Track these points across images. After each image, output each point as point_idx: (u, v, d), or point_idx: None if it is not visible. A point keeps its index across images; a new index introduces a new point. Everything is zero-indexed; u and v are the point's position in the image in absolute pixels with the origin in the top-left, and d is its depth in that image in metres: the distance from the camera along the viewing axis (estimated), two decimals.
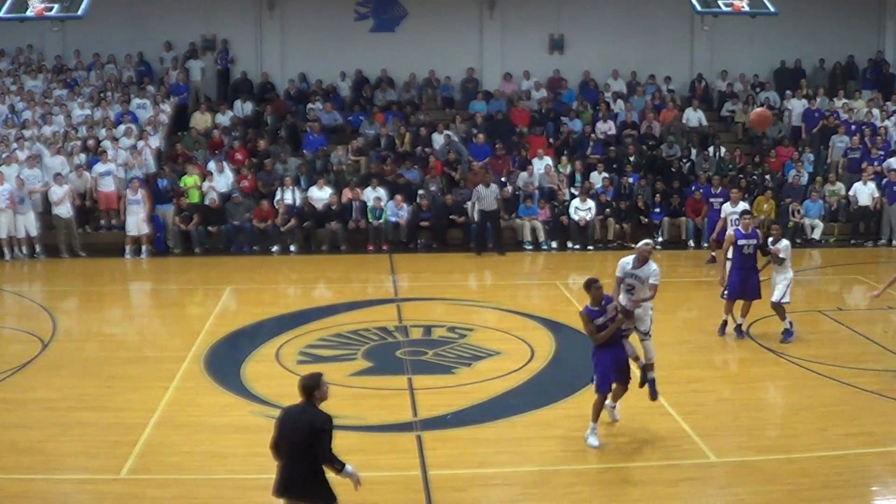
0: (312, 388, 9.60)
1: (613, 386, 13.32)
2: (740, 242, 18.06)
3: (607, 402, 13.47)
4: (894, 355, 17.44)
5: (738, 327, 18.33)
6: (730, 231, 19.23)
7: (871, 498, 11.71)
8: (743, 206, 22.84)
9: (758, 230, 18.68)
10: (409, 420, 14.23)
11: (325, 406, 9.49)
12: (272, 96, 32.06)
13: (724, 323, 18.46)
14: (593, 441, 13.02)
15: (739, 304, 18.31)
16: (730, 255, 18.56)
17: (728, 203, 23.50)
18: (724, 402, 15.27)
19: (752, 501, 11.57)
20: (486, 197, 26.53)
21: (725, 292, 18.36)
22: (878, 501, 11.77)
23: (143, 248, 25.92)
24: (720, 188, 27.04)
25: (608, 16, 33.96)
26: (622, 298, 14.11)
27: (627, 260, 14.39)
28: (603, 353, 13.11)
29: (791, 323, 18.01)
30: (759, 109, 15.19)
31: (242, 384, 15.65)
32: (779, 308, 17.96)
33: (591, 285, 13.03)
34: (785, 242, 18.10)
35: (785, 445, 13.32)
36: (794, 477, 12.16)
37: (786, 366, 16.80)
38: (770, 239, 18.19)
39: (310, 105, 31.51)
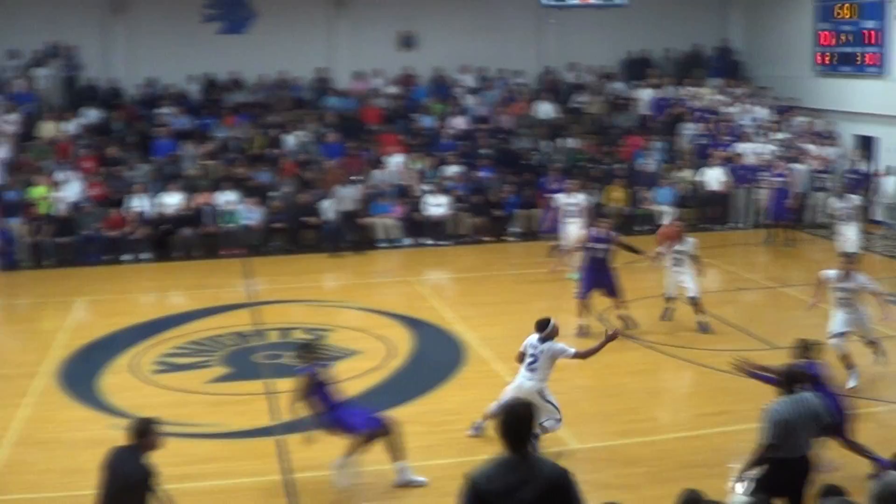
0: (141, 433, 9.37)
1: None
2: (591, 245, 18.32)
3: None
4: (746, 335, 17.99)
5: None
6: (583, 232, 19.50)
7: (730, 475, 12.06)
8: (580, 197, 23.42)
9: (613, 233, 18.75)
10: (268, 424, 14.22)
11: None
12: (120, 102, 31.51)
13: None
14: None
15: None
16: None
17: (563, 194, 23.77)
18: (582, 389, 15.60)
19: (615, 485, 11.84)
20: (344, 197, 26.54)
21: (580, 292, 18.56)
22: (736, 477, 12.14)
23: None
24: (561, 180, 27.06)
25: (457, 12, 34.11)
26: None
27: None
28: None
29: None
30: (665, 230, 15.21)
31: (99, 397, 15.46)
32: (696, 302, 18.28)
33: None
34: (692, 240, 18.57)
35: (644, 429, 13.72)
36: (655, 458, 12.56)
37: (643, 351, 17.26)
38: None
39: (159, 110, 31.09)
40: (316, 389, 11.76)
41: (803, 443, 9.76)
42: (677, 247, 18.37)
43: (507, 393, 12.57)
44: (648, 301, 19.09)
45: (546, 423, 12.55)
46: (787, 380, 10.09)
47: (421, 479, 12.04)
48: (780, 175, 27.03)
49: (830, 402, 11.38)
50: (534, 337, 13.02)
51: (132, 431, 9.38)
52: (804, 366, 11.28)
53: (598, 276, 18.26)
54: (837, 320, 15.27)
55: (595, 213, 19.25)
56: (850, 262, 15.46)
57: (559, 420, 12.79)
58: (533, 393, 12.49)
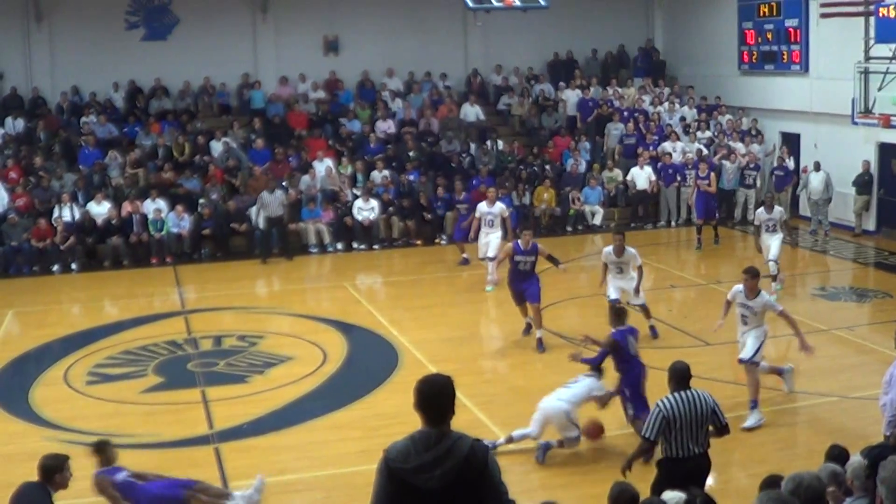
0: (53, 471, 9.18)
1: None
2: (517, 258, 17.85)
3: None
4: (679, 332, 18.21)
5: (527, 327, 18.29)
6: (508, 244, 18.76)
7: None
8: (500, 206, 23.03)
9: (538, 243, 18.34)
10: (205, 433, 14.20)
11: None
12: (44, 111, 31.15)
13: (527, 326, 18.38)
14: None
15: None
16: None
17: (485, 202, 23.17)
18: (517, 390, 15.71)
19: (552, 484, 11.97)
20: (270, 203, 26.46)
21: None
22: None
23: None
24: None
25: (382, 15, 34.06)
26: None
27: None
28: None
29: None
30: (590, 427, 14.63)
31: (32, 409, 15.32)
32: (644, 309, 18.27)
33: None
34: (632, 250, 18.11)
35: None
36: (589, 457, 12.69)
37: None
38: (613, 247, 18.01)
39: (84, 118, 30.80)
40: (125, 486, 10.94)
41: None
42: (618, 259, 17.97)
43: (542, 412, 13.13)
44: (581, 300, 19.20)
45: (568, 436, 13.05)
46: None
47: None
48: (707, 174, 27.15)
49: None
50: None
51: (42, 469, 9.17)
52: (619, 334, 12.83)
53: (525, 286, 17.85)
54: (748, 346, 14.43)
55: (519, 224, 18.69)
56: (753, 278, 14.48)
57: (578, 437, 13.13)
58: (561, 414, 12.99)
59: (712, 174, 27.00)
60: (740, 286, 14.43)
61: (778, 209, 22.10)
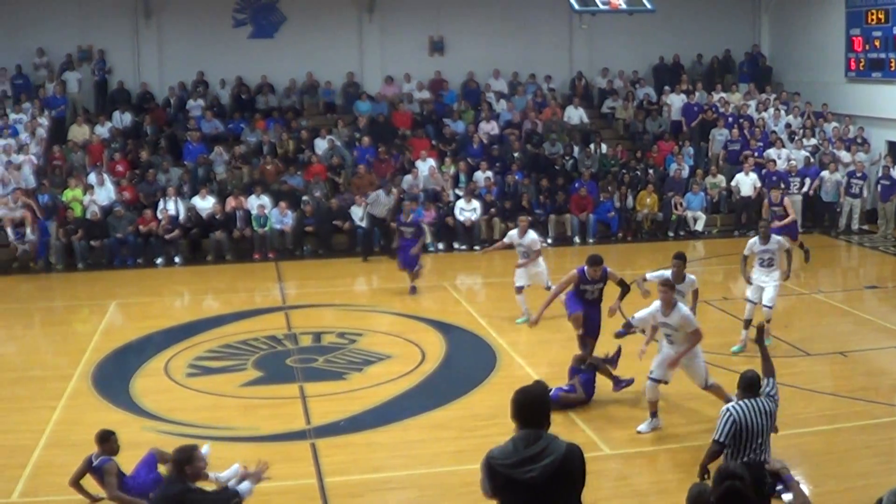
0: (183, 462, 9.35)
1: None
2: (583, 287, 15.38)
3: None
4: (779, 341, 17.85)
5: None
6: (572, 273, 15.45)
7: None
8: (531, 237, 19.86)
9: (608, 269, 15.55)
10: (302, 428, 14.20)
11: None
12: (151, 106, 31.61)
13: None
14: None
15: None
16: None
17: (515, 231, 20.29)
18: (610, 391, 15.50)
19: (652, 491, 11.80)
20: (383, 203, 26.52)
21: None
22: None
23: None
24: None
25: (487, 17, 34.08)
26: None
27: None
28: None
29: None
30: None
31: (132, 400, 15.45)
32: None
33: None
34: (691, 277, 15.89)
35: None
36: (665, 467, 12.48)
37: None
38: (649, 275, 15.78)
39: (190, 102, 31.24)
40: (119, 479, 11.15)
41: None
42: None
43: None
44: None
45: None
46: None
47: None
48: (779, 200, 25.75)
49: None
50: None
51: (174, 462, 9.39)
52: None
53: (595, 317, 15.47)
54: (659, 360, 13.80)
55: (588, 259, 15.92)
56: (670, 288, 13.53)
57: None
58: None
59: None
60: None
61: (775, 238, 17.75)
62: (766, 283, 17.52)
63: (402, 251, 22.45)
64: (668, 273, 15.08)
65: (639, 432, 13.66)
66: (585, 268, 15.16)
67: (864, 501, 7.69)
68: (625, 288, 15.54)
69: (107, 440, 11.23)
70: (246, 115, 31.56)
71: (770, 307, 17.35)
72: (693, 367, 13.78)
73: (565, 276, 15.58)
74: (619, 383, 14.95)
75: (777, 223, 21.80)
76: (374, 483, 12.39)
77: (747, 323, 17.42)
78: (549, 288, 18.94)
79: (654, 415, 13.81)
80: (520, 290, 19.73)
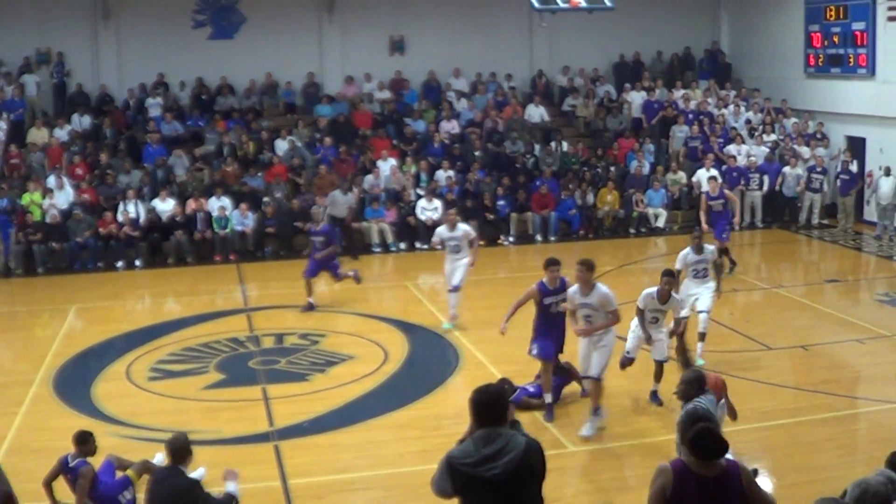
0: (185, 452, 9.65)
1: None
2: (546, 301, 14.49)
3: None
4: (740, 335, 17.97)
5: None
6: (531, 288, 14.56)
7: None
8: (463, 228, 19.45)
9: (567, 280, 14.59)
10: (265, 430, 14.19)
11: None
12: (110, 108, 31.42)
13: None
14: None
15: None
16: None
17: (444, 226, 19.71)
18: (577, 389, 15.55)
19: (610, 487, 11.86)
20: (341, 203, 26.49)
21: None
22: None
23: None
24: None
25: (448, 16, 34.08)
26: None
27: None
28: None
29: None
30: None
31: (94, 405, 15.37)
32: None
33: None
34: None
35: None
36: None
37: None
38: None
39: (149, 115, 31.05)
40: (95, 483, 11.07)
41: None
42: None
43: None
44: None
45: None
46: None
47: None
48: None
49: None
50: None
51: (170, 452, 9.84)
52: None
53: (557, 334, 14.72)
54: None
55: (545, 262, 14.60)
56: (587, 269, 13.34)
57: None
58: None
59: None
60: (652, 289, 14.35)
61: (709, 248, 16.85)
62: (700, 294, 16.55)
63: (310, 259, 21.40)
64: (654, 290, 14.57)
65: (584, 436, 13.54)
66: (544, 279, 14.36)
67: (827, 493, 7.70)
68: None
69: (85, 441, 11.18)
70: (206, 117, 31.40)
71: (707, 313, 16.49)
72: (597, 353, 13.57)
73: (524, 292, 14.67)
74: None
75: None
76: (339, 484, 12.41)
77: (702, 336, 16.53)
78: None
79: (596, 411, 13.69)
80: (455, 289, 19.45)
